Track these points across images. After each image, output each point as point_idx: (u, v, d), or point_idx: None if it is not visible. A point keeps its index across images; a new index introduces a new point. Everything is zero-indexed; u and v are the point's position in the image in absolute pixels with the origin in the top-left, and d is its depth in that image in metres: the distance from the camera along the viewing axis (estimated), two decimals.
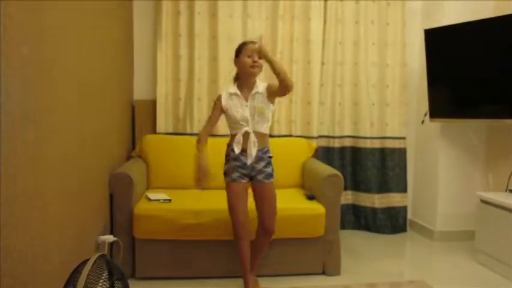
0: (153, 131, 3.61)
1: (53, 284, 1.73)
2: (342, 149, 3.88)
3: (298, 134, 3.75)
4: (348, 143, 3.90)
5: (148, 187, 3.25)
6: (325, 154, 3.83)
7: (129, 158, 3.38)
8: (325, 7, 3.74)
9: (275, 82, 2.37)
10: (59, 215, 1.84)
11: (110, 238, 2.54)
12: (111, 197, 2.75)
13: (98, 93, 2.51)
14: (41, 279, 1.63)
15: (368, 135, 3.85)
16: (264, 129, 2.47)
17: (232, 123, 2.49)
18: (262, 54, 2.36)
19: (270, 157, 2.50)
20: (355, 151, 3.90)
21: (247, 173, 2.47)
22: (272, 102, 2.48)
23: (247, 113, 2.43)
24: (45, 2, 1.67)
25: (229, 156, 2.49)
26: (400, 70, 3.84)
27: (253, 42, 2.45)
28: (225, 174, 2.49)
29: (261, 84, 2.48)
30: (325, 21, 3.76)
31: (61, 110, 1.86)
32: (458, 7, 3.53)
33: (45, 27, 1.66)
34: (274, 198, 2.53)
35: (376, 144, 3.86)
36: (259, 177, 2.47)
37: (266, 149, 2.49)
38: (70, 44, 1.98)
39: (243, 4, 3.64)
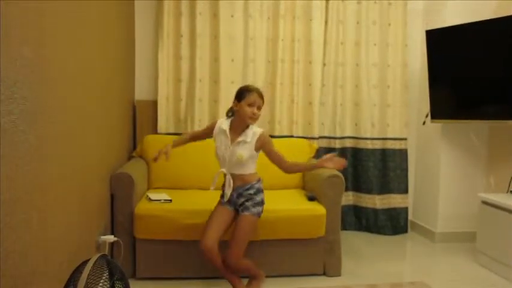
0: (154, 131, 3.61)
1: (54, 284, 1.73)
2: (343, 149, 3.88)
3: (299, 134, 3.75)
4: (349, 143, 3.90)
5: (149, 187, 3.25)
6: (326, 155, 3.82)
7: (130, 158, 3.39)
8: (326, 7, 3.74)
9: (268, 143, 2.43)
10: (59, 215, 1.84)
11: (111, 238, 2.55)
12: (112, 197, 2.75)
13: (99, 94, 2.51)
14: (41, 280, 1.63)
15: (369, 136, 3.85)
16: (243, 171, 2.46)
17: (216, 157, 2.54)
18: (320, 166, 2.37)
19: (251, 194, 2.46)
20: (356, 152, 3.89)
21: (232, 204, 2.53)
22: (258, 151, 2.47)
23: (227, 156, 2.45)
24: (46, 2, 1.67)
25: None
26: (401, 71, 3.84)
27: (257, 92, 2.42)
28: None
29: (251, 131, 2.43)
30: (326, 22, 3.76)
31: (62, 110, 1.86)
32: (460, 8, 3.53)
33: (46, 28, 1.66)
34: (244, 233, 2.42)
35: (377, 145, 3.86)
36: (239, 208, 2.49)
37: (248, 186, 2.46)
38: (71, 44, 1.98)
39: (244, 4, 3.64)
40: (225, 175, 2.50)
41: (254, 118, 2.40)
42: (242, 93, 2.41)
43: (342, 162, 2.30)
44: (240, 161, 2.41)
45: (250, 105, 2.37)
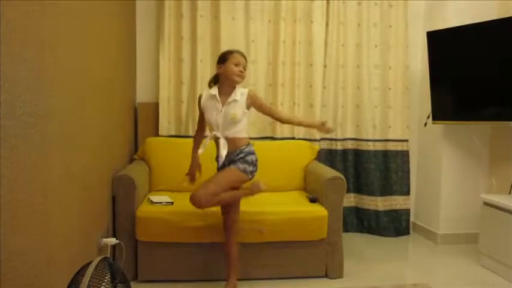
0: (156, 133, 3.62)
1: (56, 286, 1.73)
2: (345, 151, 3.88)
3: (301, 136, 3.74)
4: (350, 145, 3.89)
5: (151, 190, 3.25)
6: (327, 157, 3.82)
7: (131, 160, 3.39)
8: (327, 9, 3.74)
9: (258, 98, 2.52)
10: (61, 218, 1.84)
11: (113, 241, 2.55)
12: (114, 199, 2.75)
13: (100, 96, 2.51)
14: (43, 282, 1.63)
15: (370, 137, 3.84)
16: (234, 133, 2.49)
17: (207, 124, 2.57)
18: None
19: (241, 157, 2.48)
20: (358, 154, 3.89)
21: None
22: (248, 108, 2.52)
23: (220, 119, 2.47)
24: (47, 4, 1.67)
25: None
26: (403, 72, 3.83)
27: (240, 52, 2.49)
28: None
29: (239, 91, 2.49)
30: (327, 24, 3.76)
31: (63, 112, 1.86)
32: (461, 9, 3.52)
33: (46, 30, 1.66)
34: (223, 178, 2.44)
35: (379, 146, 3.86)
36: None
37: (238, 152, 2.49)
38: (72, 46, 1.98)
39: (246, 7, 3.64)
40: (217, 138, 2.52)
41: (241, 76, 2.47)
42: (225, 56, 2.48)
43: (329, 130, 2.58)
44: (234, 120, 2.45)
45: (236, 64, 2.44)
